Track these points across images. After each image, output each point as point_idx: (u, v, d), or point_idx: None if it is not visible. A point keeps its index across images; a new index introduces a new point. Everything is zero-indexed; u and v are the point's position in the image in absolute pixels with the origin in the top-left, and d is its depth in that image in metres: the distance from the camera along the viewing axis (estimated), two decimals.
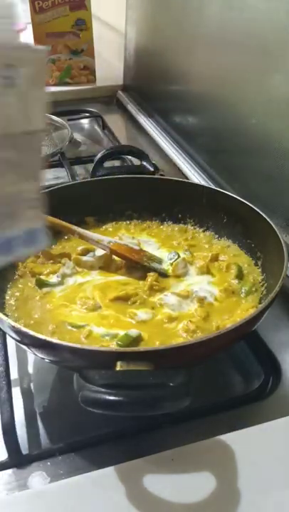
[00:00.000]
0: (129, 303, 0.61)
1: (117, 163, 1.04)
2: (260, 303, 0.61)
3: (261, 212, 0.65)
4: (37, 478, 0.49)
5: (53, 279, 0.65)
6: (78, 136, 1.24)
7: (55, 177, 1.05)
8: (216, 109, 0.95)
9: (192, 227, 0.76)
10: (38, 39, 1.35)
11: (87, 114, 1.35)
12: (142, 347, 0.54)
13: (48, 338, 0.49)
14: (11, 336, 0.53)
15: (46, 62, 0.38)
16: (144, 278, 0.65)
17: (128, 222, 0.78)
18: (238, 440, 0.50)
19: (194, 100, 1.04)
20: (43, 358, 0.53)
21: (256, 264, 0.67)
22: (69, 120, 1.21)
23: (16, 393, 0.58)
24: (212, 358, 0.58)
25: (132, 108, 1.36)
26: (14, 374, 0.59)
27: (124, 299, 0.61)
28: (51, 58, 1.39)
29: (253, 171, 0.83)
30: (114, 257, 0.68)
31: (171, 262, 0.68)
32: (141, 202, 0.72)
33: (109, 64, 1.55)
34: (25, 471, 0.50)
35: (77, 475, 0.47)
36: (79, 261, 0.68)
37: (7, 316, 0.56)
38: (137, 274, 0.66)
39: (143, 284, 0.64)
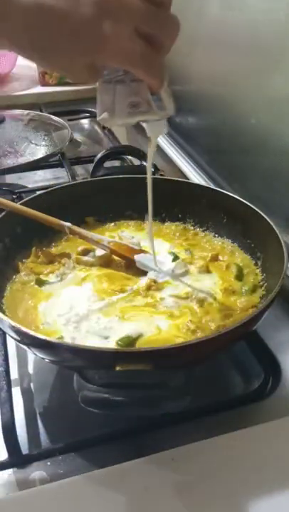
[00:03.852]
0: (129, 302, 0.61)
1: (117, 163, 1.04)
2: (259, 303, 0.61)
3: (261, 213, 0.65)
4: (37, 478, 0.49)
5: (53, 278, 0.65)
6: (78, 136, 1.24)
7: (55, 177, 1.06)
8: (216, 109, 0.94)
9: (192, 227, 0.76)
10: None
11: (87, 114, 1.35)
12: (141, 347, 0.54)
13: (48, 338, 0.49)
14: (11, 336, 0.53)
15: None
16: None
17: (128, 222, 0.78)
18: (238, 440, 0.50)
19: (194, 100, 1.03)
20: (43, 358, 0.53)
21: (256, 264, 0.67)
22: (69, 120, 1.21)
23: (16, 393, 0.58)
24: (212, 358, 0.58)
25: None
26: (14, 374, 0.59)
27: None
28: None
29: (253, 171, 0.83)
30: (115, 257, 0.68)
31: (171, 261, 0.68)
32: (141, 202, 0.72)
33: None
34: (26, 471, 0.50)
35: (77, 475, 0.47)
36: (79, 261, 0.68)
37: (7, 315, 0.56)
38: (136, 274, 0.66)
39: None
